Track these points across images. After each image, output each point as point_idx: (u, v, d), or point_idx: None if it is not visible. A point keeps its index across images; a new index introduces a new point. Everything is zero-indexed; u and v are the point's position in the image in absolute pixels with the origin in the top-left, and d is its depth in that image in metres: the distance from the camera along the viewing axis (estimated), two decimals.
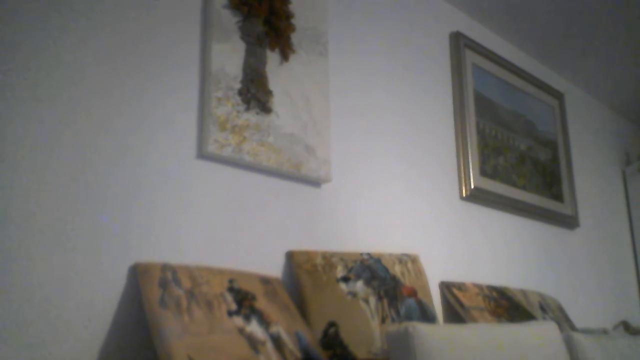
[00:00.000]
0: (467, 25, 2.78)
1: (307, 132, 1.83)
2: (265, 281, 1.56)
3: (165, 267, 1.36)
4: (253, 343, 1.35)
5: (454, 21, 2.71)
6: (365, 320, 1.68)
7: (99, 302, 1.33)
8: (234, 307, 1.40)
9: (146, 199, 1.47)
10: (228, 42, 1.68)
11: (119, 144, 1.44)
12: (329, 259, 1.74)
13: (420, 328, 1.40)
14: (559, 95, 3.28)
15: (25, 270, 1.23)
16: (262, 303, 1.47)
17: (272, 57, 1.80)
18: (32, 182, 1.28)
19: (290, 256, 1.73)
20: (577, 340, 1.90)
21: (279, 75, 1.80)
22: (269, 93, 1.75)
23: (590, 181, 3.44)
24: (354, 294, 1.71)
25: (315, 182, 1.89)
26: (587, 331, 2.40)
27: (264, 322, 1.42)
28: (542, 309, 2.44)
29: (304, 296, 1.65)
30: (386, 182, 2.15)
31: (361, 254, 1.85)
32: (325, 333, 1.60)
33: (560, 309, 2.61)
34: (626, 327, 3.11)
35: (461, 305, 2.11)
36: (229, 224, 1.63)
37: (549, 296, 2.64)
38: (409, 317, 1.79)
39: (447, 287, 2.18)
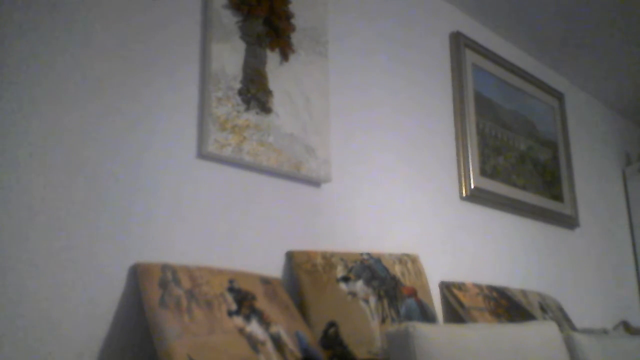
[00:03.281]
0: (467, 25, 2.78)
1: (307, 132, 1.83)
2: (265, 281, 1.56)
3: (165, 267, 1.36)
4: (253, 343, 1.35)
5: (454, 21, 2.71)
6: (365, 320, 1.68)
7: (99, 302, 1.33)
8: (234, 307, 1.39)
9: (146, 198, 1.46)
10: (228, 42, 1.68)
11: (118, 144, 1.44)
12: (329, 259, 1.74)
13: (421, 328, 1.40)
14: (559, 95, 3.28)
15: (25, 271, 1.23)
16: (262, 303, 1.47)
17: (272, 57, 1.80)
18: (31, 181, 1.28)
19: (290, 256, 1.73)
20: (577, 340, 1.90)
21: (279, 75, 1.80)
22: (269, 93, 1.75)
23: (590, 181, 3.44)
24: (354, 294, 1.71)
25: (315, 182, 1.89)
26: (587, 331, 2.40)
27: (264, 322, 1.42)
28: (542, 309, 2.44)
29: (304, 296, 1.65)
30: (386, 182, 2.15)
31: (361, 254, 1.85)
32: (325, 333, 1.60)
33: (560, 309, 2.61)
34: (626, 327, 3.11)
35: (461, 305, 2.11)
36: (229, 224, 1.63)
37: (549, 296, 2.64)
38: (409, 317, 1.79)
39: (447, 287, 2.18)
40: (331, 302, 1.66)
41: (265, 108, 1.73)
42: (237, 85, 1.68)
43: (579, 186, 3.30)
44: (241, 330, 1.35)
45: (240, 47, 1.71)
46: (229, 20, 1.70)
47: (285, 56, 1.83)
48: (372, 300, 1.73)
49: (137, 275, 1.34)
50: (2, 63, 1.28)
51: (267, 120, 1.73)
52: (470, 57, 2.68)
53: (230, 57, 1.68)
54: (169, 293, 1.31)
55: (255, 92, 1.71)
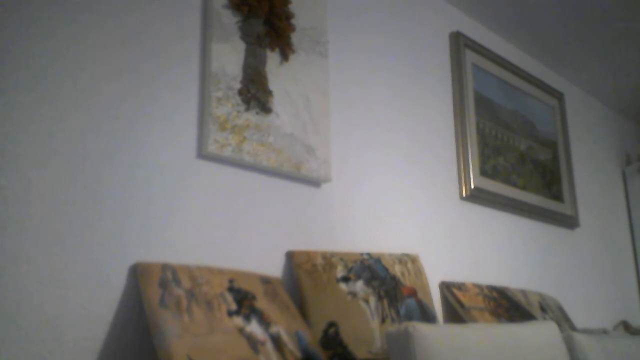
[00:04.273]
0: (467, 25, 2.78)
1: (307, 132, 1.83)
2: (265, 281, 1.56)
3: (165, 267, 1.36)
4: (253, 343, 1.35)
5: (454, 21, 2.71)
6: (365, 320, 1.68)
7: (99, 302, 1.33)
8: (234, 307, 1.39)
9: (146, 198, 1.46)
10: (228, 42, 1.68)
11: (118, 144, 1.44)
12: (329, 259, 1.74)
13: (420, 328, 1.40)
14: (559, 95, 3.28)
15: (24, 271, 1.23)
16: (262, 303, 1.47)
17: (272, 57, 1.80)
18: (30, 181, 1.28)
19: (290, 256, 1.73)
20: (577, 340, 1.90)
21: (279, 75, 1.80)
22: (269, 93, 1.75)
23: (590, 181, 3.44)
24: (354, 294, 1.71)
25: (315, 182, 1.89)
26: (587, 331, 2.40)
27: (264, 322, 1.42)
28: (542, 309, 2.44)
29: (304, 296, 1.65)
30: (386, 182, 2.15)
31: (361, 254, 1.85)
32: (325, 333, 1.60)
33: (560, 309, 2.61)
34: (626, 327, 3.11)
35: (461, 305, 2.11)
36: (229, 224, 1.63)
37: (549, 296, 2.64)
38: (409, 317, 1.79)
39: (447, 287, 2.18)
40: (331, 302, 1.66)
41: (265, 108, 1.73)
42: (237, 85, 1.68)
43: (579, 186, 3.30)
44: (241, 330, 1.35)
45: (240, 47, 1.71)
46: (229, 20, 1.70)
47: (285, 56, 1.83)
48: (372, 300, 1.73)
49: (137, 275, 1.34)
50: (1, 60, 1.28)
51: (267, 120, 1.73)
52: (470, 57, 2.68)
53: (230, 57, 1.68)
54: (169, 293, 1.31)
55: (255, 92, 1.71)
